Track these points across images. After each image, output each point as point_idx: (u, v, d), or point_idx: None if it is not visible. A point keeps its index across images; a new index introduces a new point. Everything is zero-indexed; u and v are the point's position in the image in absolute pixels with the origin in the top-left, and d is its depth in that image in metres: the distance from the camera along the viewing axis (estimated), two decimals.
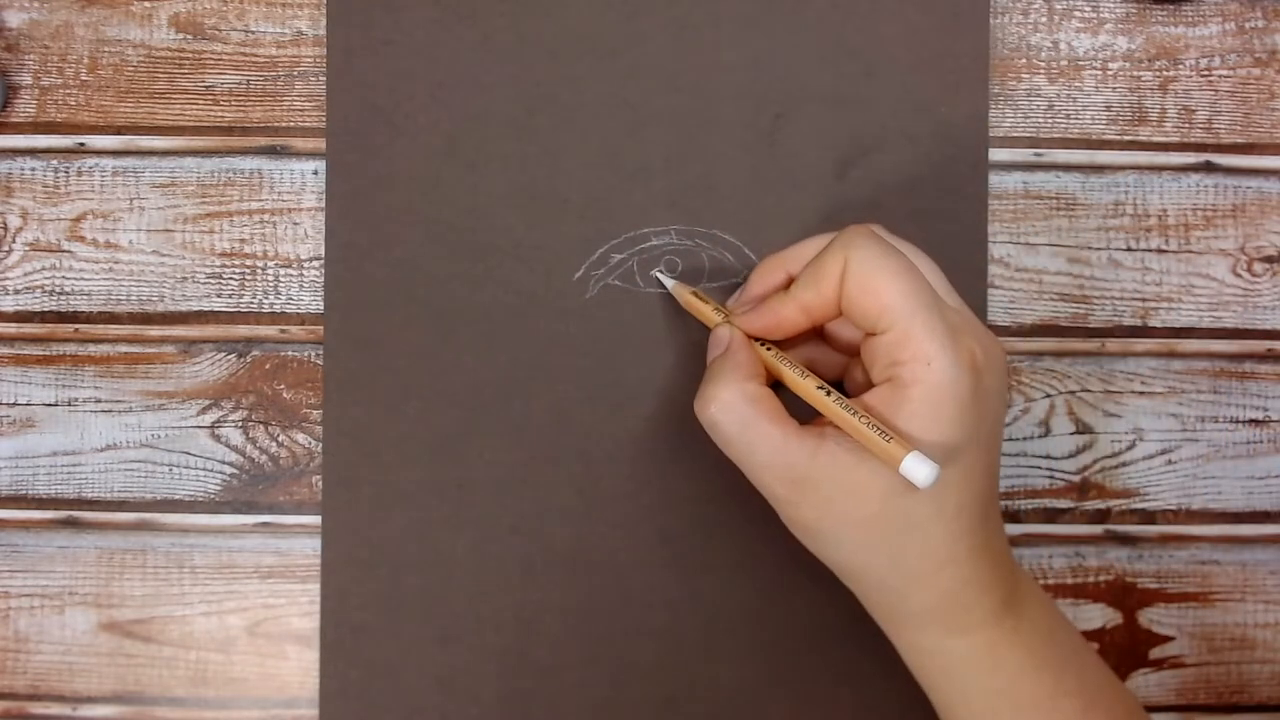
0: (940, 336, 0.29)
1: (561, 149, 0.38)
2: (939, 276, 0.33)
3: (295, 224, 0.40)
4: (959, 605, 0.31)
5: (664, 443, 0.38)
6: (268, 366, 0.39)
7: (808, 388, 0.32)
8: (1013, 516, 0.40)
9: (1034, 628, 0.32)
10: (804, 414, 0.32)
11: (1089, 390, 0.40)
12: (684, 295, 0.37)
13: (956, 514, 0.31)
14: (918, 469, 0.28)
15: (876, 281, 0.30)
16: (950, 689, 0.33)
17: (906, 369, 0.30)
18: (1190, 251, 0.40)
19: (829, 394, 0.31)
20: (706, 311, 0.36)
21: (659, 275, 0.38)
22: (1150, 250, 0.40)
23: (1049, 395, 0.40)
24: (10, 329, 0.39)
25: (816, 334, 0.35)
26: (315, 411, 0.39)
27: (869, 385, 0.32)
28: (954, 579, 0.31)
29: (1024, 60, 0.40)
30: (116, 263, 0.39)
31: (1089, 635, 0.39)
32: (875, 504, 0.30)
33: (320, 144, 0.39)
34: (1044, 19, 0.40)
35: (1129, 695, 0.34)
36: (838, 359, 0.35)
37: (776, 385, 0.33)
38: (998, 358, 0.31)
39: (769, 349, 0.33)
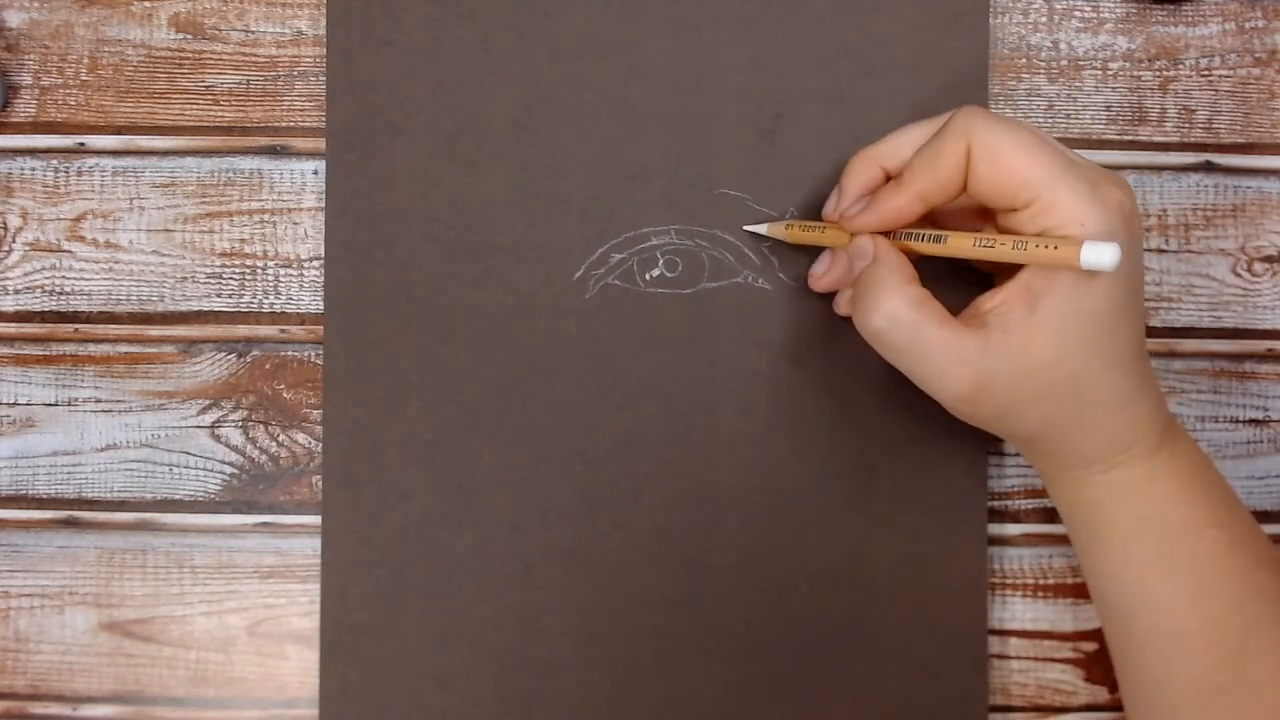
0: (1086, 196, 0.30)
1: (561, 149, 0.38)
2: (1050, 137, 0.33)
3: (295, 224, 0.40)
4: (1126, 441, 0.32)
5: (664, 443, 0.38)
6: (268, 366, 0.39)
7: (963, 244, 0.32)
8: (1013, 516, 0.40)
9: (1188, 460, 0.33)
10: None
11: None
12: (782, 232, 0.37)
13: (1122, 357, 0.31)
14: (1100, 253, 0.28)
15: (1010, 158, 0.30)
16: (1099, 517, 0.33)
17: (1065, 233, 0.30)
18: (1190, 251, 0.40)
19: (984, 239, 0.31)
20: (822, 236, 0.35)
21: (749, 228, 0.38)
22: (1150, 250, 0.40)
23: None
24: (10, 329, 0.39)
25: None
26: (315, 411, 0.39)
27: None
28: (1124, 418, 0.32)
29: (1024, 60, 0.40)
30: (116, 263, 0.39)
31: (1089, 635, 0.39)
32: (1050, 375, 0.31)
33: (320, 144, 0.39)
34: (1044, 19, 0.40)
35: (1269, 542, 0.34)
36: None
37: None
38: (1132, 195, 0.32)
39: (896, 235, 0.33)
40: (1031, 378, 0.31)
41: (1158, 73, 0.40)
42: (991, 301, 0.32)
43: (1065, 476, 0.34)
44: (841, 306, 0.37)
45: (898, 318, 0.31)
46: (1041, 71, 0.40)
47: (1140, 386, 0.32)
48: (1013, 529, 0.40)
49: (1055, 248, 0.29)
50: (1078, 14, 0.40)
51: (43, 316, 0.39)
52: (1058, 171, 0.30)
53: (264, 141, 0.39)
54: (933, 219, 0.34)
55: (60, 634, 0.39)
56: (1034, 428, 0.33)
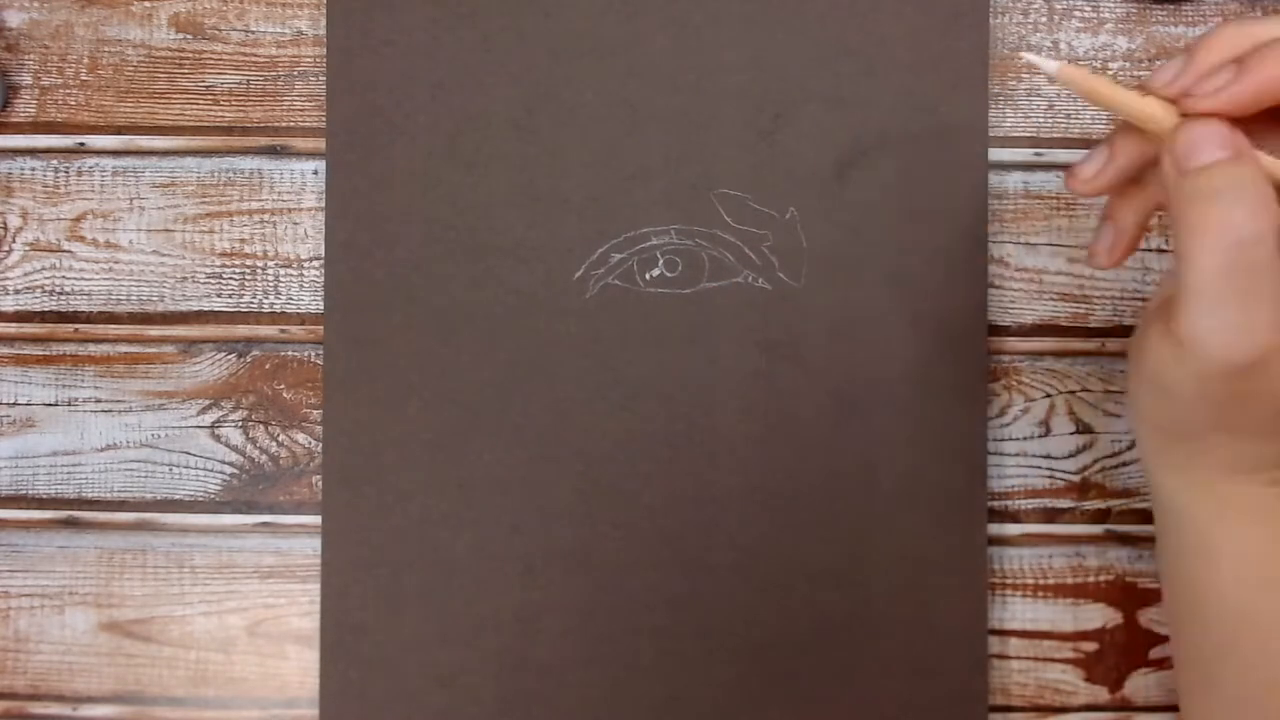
0: None
1: (561, 149, 0.38)
2: None
3: (295, 224, 0.40)
4: None
5: (664, 443, 0.38)
6: (268, 366, 0.39)
7: None
8: (1013, 516, 0.40)
9: None
10: None
11: (1089, 390, 0.40)
12: (1079, 79, 0.27)
13: None
14: None
15: None
16: (1236, 532, 0.30)
17: None
18: None
19: None
20: (1136, 103, 0.26)
21: (1028, 57, 0.29)
22: (1150, 250, 0.40)
23: (1049, 395, 0.40)
24: (10, 329, 0.39)
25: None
26: (315, 411, 0.39)
27: None
28: None
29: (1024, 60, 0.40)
30: (116, 263, 0.39)
31: (1089, 635, 0.39)
32: None
33: (320, 144, 0.39)
34: (1044, 19, 0.40)
35: None
36: None
37: None
38: None
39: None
40: None
41: None
42: None
43: (1230, 480, 0.30)
44: (1101, 255, 0.30)
45: (1264, 240, 0.24)
46: (1042, 71, 0.40)
47: None
48: (1013, 529, 0.40)
49: None
50: (1078, 14, 0.40)
51: (43, 316, 0.39)
52: None
53: (264, 141, 0.39)
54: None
55: (60, 634, 0.39)
56: None
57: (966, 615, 0.38)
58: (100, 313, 0.39)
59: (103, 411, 0.39)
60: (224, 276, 0.39)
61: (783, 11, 0.39)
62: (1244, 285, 0.25)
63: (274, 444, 0.39)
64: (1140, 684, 0.40)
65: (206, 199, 0.39)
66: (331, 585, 0.38)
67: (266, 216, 0.40)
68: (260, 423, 0.39)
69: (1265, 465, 0.29)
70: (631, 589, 0.38)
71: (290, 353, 0.39)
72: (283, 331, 0.39)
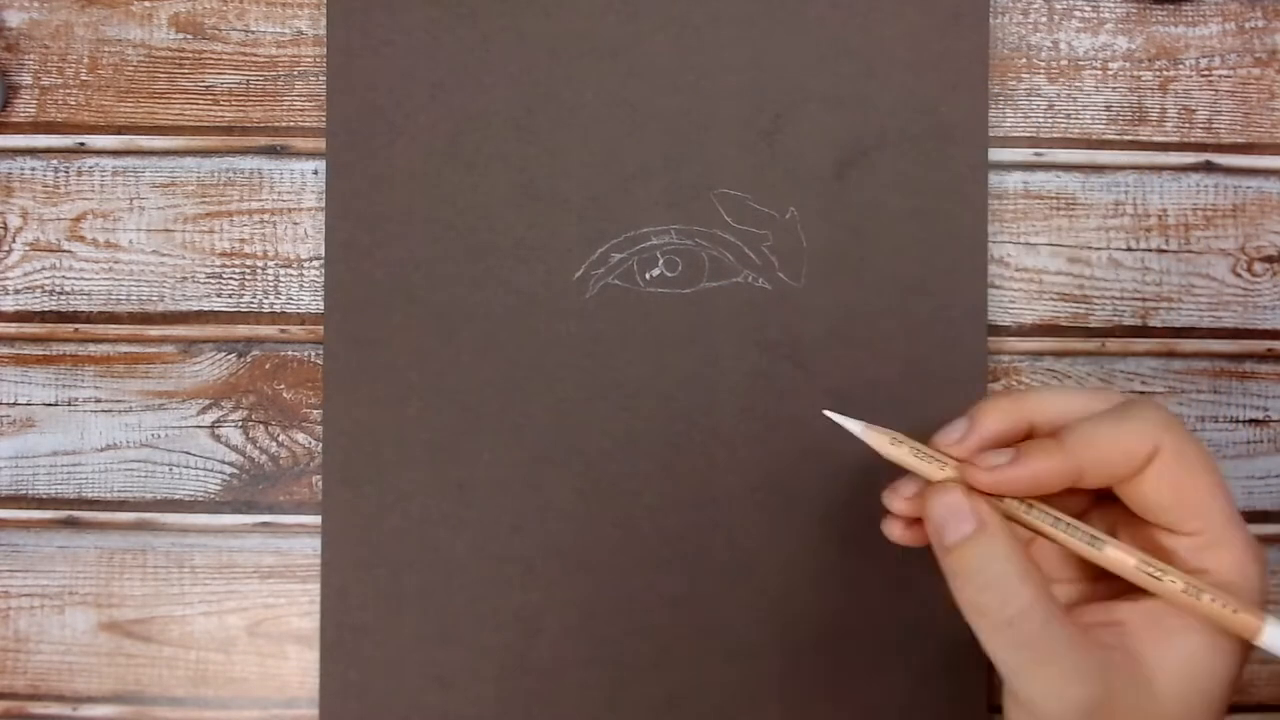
0: (1254, 548, 0.27)
1: (561, 149, 0.39)
2: None
3: (295, 224, 0.40)
4: None
5: (664, 443, 0.38)
6: (268, 366, 0.39)
7: (1122, 562, 0.27)
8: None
9: None
10: None
11: None
12: (886, 446, 0.29)
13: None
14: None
15: (1199, 482, 0.27)
16: None
17: (1217, 577, 0.27)
18: (1190, 251, 0.40)
19: (1152, 566, 0.27)
20: (928, 468, 0.29)
21: (830, 414, 0.31)
22: (1150, 250, 0.40)
23: None
24: (10, 329, 0.39)
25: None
26: (315, 411, 0.39)
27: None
28: None
29: (1024, 60, 0.40)
30: (116, 262, 0.39)
31: None
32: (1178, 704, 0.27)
33: (320, 144, 0.39)
34: (1044, 19, 0.40)
35: None
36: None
37: None
38: None
39: (1029, 506, 0.28)
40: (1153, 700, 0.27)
41: (1158, 73, 0.40)
42: (1107, 615, 0.28)
43: None
44: (895, 532, 0.32)
45: (1030, 613, 0.26)
46: (1041, 71, 0.40)
47: None
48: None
49: (1235, 611, 0.26)
50: (1078, 14, 0.40)
51: (43, 316, 0.39)
52: (1232, 513, 0.28)
53: (264, 141, 0.39)
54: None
55: (60, 634, 0.39)
56: None
57: None
58: (100, 313, 0.39)
59: (103, 411, 0.39)
60: (224, 276, 0.39)
61: (783, 11, 0.39)
62: (1029, 656, 0.26)
63: (274, 444, 0.39)
64: None
65: (206, 199, 0.39)
66: (331, 585, 0.38)
67: (266, 216, 0.40)
68: (260, 423, 0.39)
69: None
70: (631, 589, 0.38)
71: (290, 353, 0.39)
72: (283, 331, 0.39)
